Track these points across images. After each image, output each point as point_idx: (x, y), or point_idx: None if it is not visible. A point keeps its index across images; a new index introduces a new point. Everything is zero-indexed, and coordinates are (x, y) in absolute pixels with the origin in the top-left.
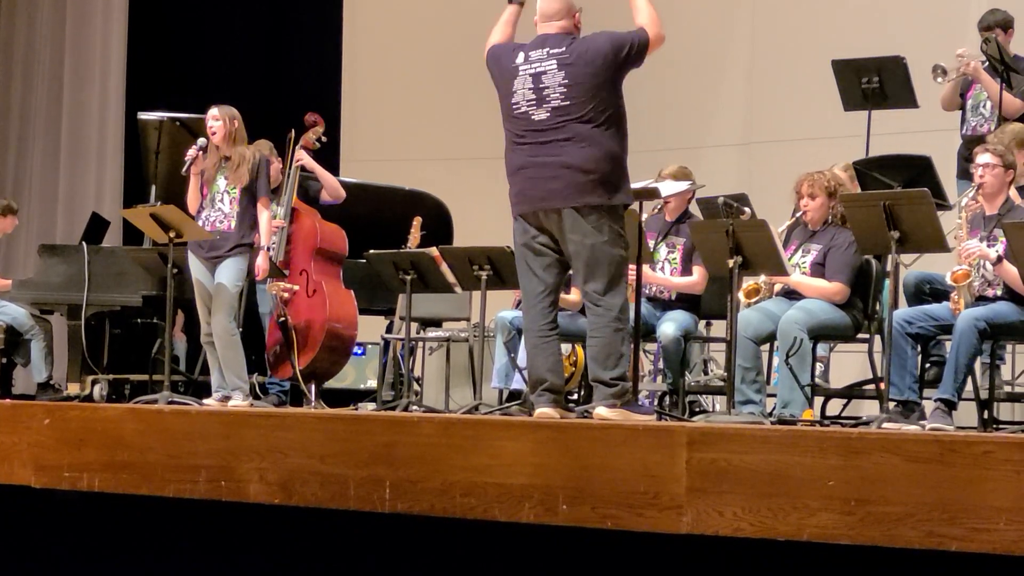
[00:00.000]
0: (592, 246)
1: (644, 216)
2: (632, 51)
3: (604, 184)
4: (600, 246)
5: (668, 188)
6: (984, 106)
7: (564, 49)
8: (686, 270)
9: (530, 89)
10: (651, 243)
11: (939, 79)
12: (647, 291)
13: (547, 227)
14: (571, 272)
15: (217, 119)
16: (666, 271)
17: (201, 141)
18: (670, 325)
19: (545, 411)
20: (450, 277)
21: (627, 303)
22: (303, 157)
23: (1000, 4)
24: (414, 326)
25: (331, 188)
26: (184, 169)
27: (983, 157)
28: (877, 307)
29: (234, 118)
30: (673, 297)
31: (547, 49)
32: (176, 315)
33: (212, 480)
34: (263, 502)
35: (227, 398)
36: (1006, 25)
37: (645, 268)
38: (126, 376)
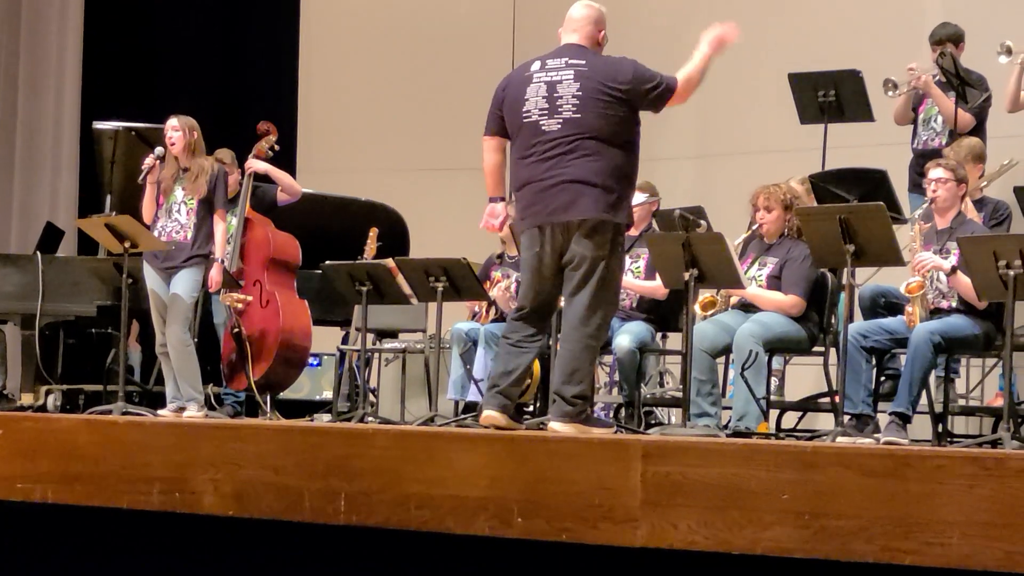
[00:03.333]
0: (592, 259)
1: None
2: (657, 89)
3: (610, 199)
4: (598, 260)
5: None
6: (935, 120)
7: (584, 62)
8: (650, 280)
9: (543, 98)
10: None
11: (890, 93)
12: None
13: (555, 240)
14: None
15: (177, 130)
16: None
17: (159, 150)
18: (625, 337)
19: (491, 414)
20: (406, 288)
21: (607, 323)
22: (254, 164)
23: (952, 18)
24: (370, 337)
25: (287, 186)
26: (141, 178)
27: (936, 172)
28: (832, 320)
29: (193, 129)
30: (634, 305)
31: (566, 59)
32: (131, 325)
33: (166, 491)
34: (217, 514)
35: (182, 409)
36: (957, 39)
37: None
38: (80, 386)
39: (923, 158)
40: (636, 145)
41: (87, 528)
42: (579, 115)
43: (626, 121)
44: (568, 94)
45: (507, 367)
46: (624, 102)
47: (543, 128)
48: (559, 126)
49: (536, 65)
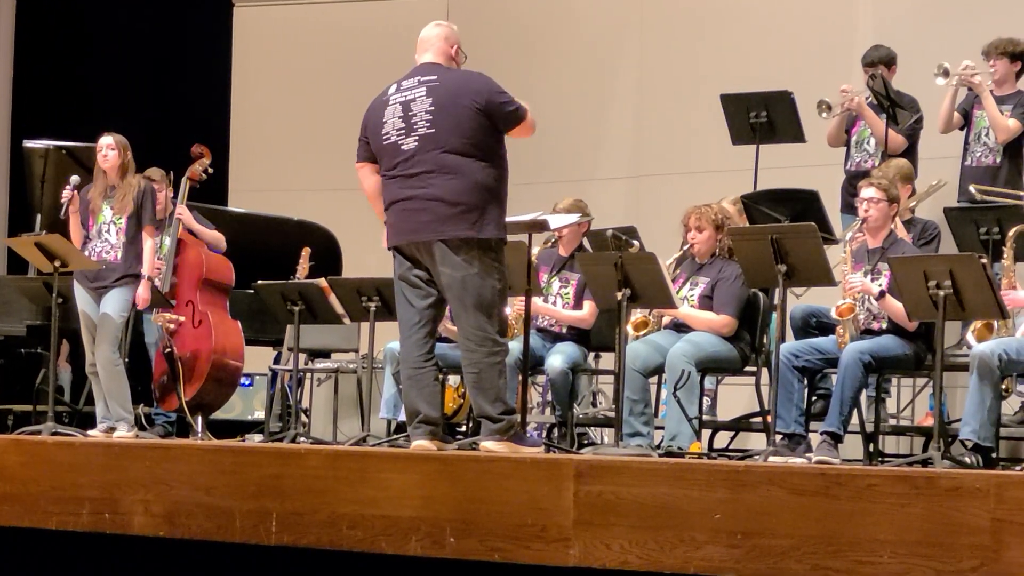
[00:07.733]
0: (462, 279)
1: (536, 249)
2: (510, 106)
3: (472, 216)
4: (470, 279)
5: (557, 220)
6: (868, 142)
7: (435, 77)
8: (578, 305)
9: (399, 118)
10: (545, 277)
11: (824, 115)
12: (538, 322)
13: (420, 260)
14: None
15: (112, 148)
16: (558, 306)
17: (74, 179)
18: (558, 358)
19: (421, 443)
20: (339, 308)
21: (501, 335)
22: (183, 212)
23: (884, 41)
24: (302, 357)
25: (213, 241)
26: (63, 212)
27: (867, 191)
28: (764, 340)
29: (126, 148)
30: (564, 330)
31: (418, 77)
32: (61, 345)
33: (96, 512)
34: (148, 534)
35: (112, 429)
36: (889, 61)
37: (536, 299)
38: (9, 407)
39: (856, 179)
40: (500, 156)
41: (15, 549)
42: (433, 130)
43: (484, 132)
44: (421, 110)
45: (419, 395)
46: (480, 112)
47: (401, 147)
48: (415, 144)
49: (392, 88)
